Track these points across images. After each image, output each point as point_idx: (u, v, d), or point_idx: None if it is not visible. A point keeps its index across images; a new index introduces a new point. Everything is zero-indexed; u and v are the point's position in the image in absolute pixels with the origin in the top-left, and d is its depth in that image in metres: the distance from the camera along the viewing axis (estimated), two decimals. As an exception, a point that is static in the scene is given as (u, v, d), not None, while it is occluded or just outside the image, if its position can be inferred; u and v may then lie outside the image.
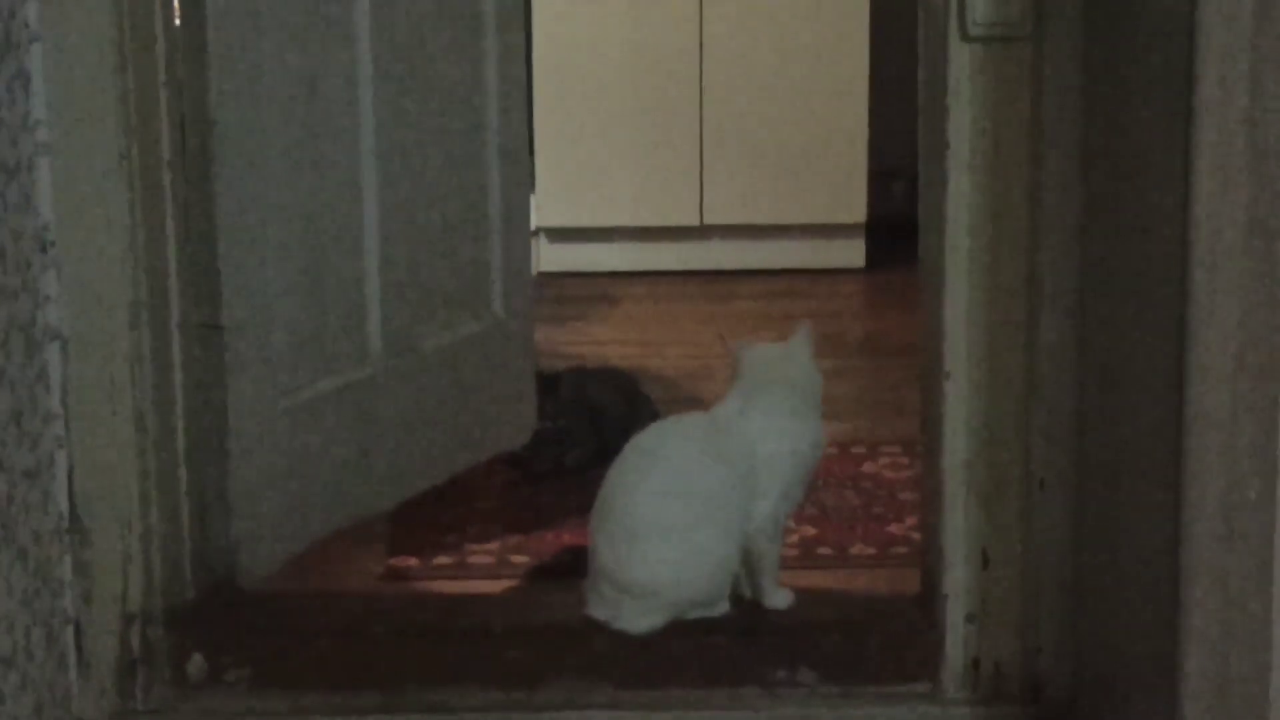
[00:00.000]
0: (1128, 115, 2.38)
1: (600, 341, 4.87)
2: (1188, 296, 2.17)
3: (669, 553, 2.72)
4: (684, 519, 2.73)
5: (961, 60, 2.55)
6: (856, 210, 5.51)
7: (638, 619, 2.73)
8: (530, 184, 4.07)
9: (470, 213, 3.48)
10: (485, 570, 3.33)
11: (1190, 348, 2.17)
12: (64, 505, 2.61)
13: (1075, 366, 2.58)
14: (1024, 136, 2.56)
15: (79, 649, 2.65)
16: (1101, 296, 2.50)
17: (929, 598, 2.74)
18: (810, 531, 3.47)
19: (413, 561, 3.35)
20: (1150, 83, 2.29)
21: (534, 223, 5.09)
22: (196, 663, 2.71)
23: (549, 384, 3.82)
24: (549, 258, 5.54)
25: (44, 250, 2.55)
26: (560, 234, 5.55)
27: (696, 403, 3.28)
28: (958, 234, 2.60)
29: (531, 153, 4.84)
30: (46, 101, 2.52)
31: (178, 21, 2.72)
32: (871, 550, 3.40)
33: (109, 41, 2.59)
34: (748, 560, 2.79)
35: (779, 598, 2.81)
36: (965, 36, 2.54)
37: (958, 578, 2.68)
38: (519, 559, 3.37)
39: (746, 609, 2.80)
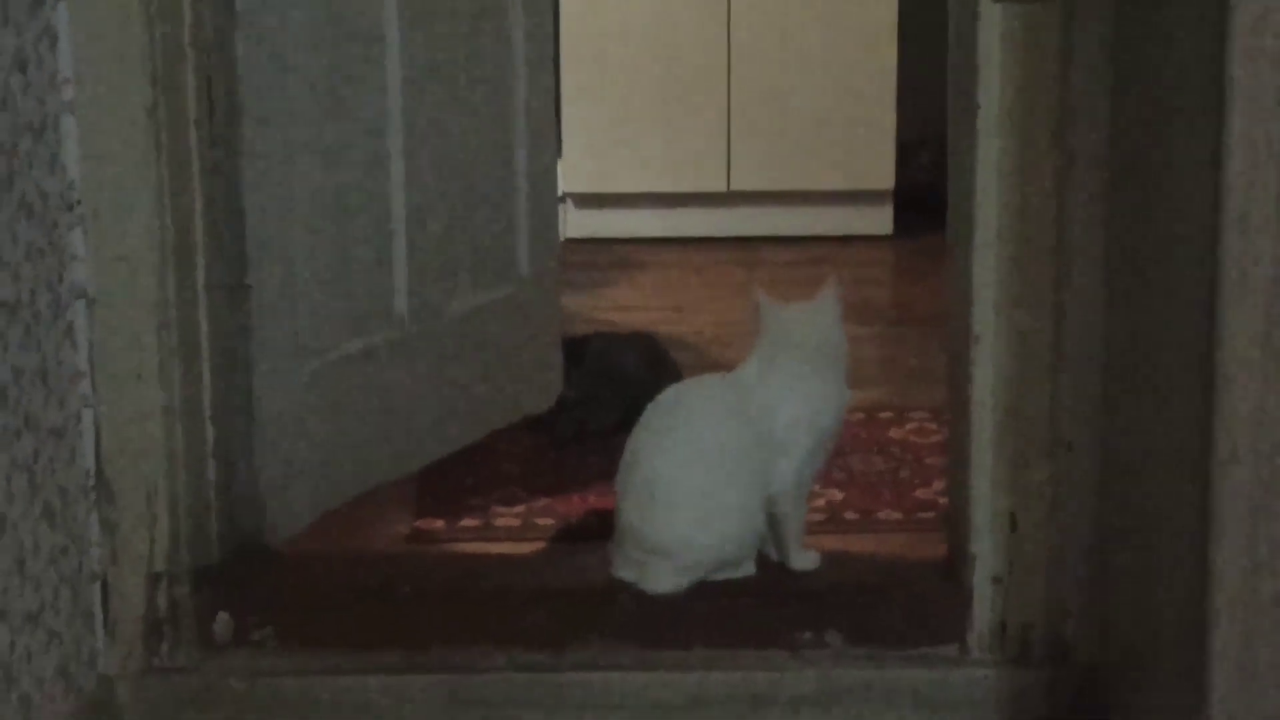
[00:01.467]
0: (1159, 76, 2.36)
1: (627, 307, 4.86)
2: (1218, 258, 2.15)
3: (693, 513, 2.71)
4: (707, 479, 2.72)
5: (991, 21, 2.53)
6: (884, 177, 5.48)
7: (663, 580, 2.73)
8: (557, 149, 4.06)
9: (497, 177, 3.47)
10: (511, 533, 3.33)
11: (1220, 308, 2.15)
12: (90, 464, 2.62)
13: (1103, 328, 2.57)
14: (1054, 98, 2.55)
15: (105, 607, 2.66)
16: (1131, 258, 2.49)
17: (956, 560, 2.73)
18: (837, 496, 3.47)
19: (438, 524, 3.35)
20: (1181, 44, 2.27)
21: (561, 189, 5.07)
22: (222, 621, 2.72)
23: (575, 349, 3.81)
24: (576, 224, 5.53)
25: (70, 209, 2.55)
26: (587, 200, 5.53)
27: (723, 368, 3.28)
28: (986, 196, 2.58)
29: (558, 119, 4.83)
30: (73, 60, 2.52)
31: (204, -19, 2.72)
32: (898, 515, 3.39)
33: None
34: (773, 522, 2.79)
35: (805, 559, 2.81)
36: (995, -3, 2.53)
37: (985, 540, 2.67)
38: (545, 522, 3.37)
39: (772, 571, 2.80)
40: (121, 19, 2.57)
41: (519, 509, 3.43)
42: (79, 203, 2.55)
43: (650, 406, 2.81)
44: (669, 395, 2.83)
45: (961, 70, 2.61)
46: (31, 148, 2.42)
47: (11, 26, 2.36)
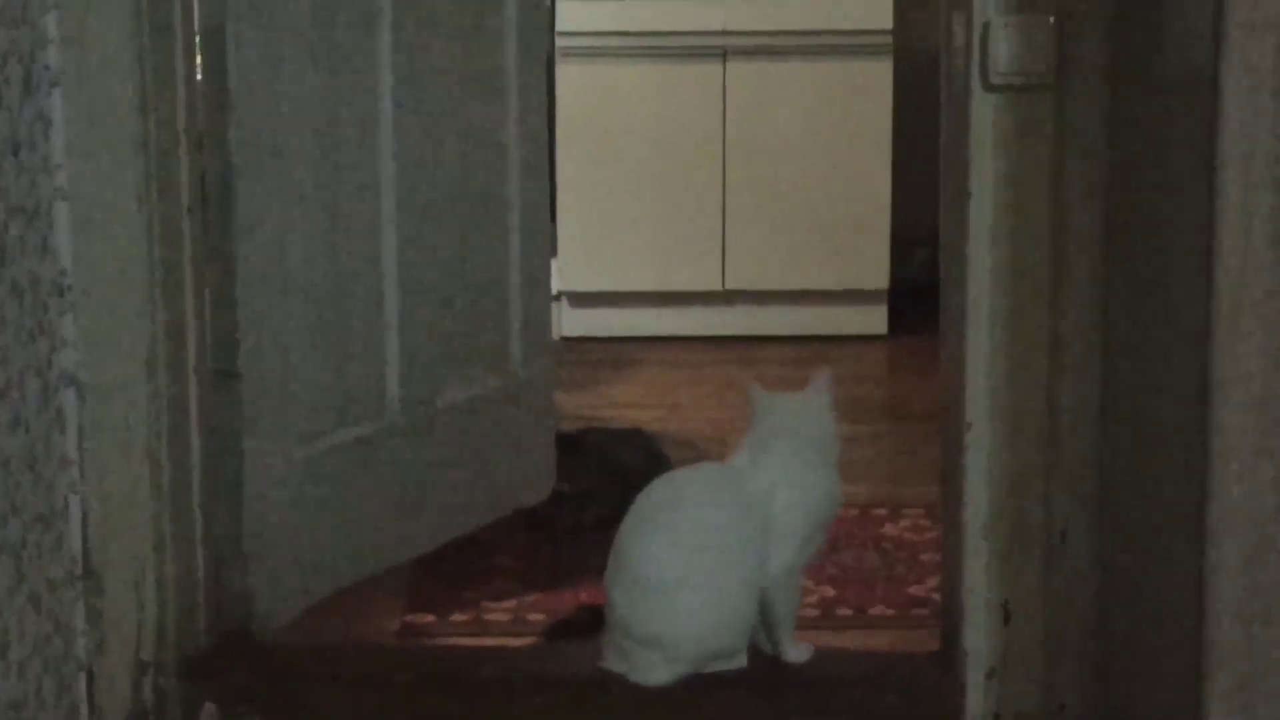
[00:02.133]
0: (1151, 163, 2.37)
1: (622, 405, 4.85)
2: (1211, 346, 2.15)
3: (684, 604, 2.69)
4: (698, 570, 2.70)
5: (984, 109, 2.54)
6: (879, 276, 5.49)
7: (654, 672, 2.71)
8: (552, 247, 4.07)
9: (491, 271, 3.48)
10: (502, 628, 3.30)
11: (1214, 399, 2.14)
12: (77, 551, 2.59)
13: (1097, 418, 2.56)
14: (1046, 185, 2.55)
15: (91, 697, 2.63)
16: (1125, 347, 2.48)
17: (949, 654, 2.71)
18: (830, 592, 3.44)
19: (429, 618, 3.32)
20: (1173, 131, 2.27)
21: (556, 287, 5.07)
22: (209, 712, 2.69)
23: (571, 443, 3.80)
24: (571, 322, 5.52)
25: (61, 294, 2.54)
26: (582, 299, 5.53)
27: (717, 464, 3.32)
28: (979, 283, 2.58)
29: (553, 218, 4.83)
30: (66, 145, 2.52)
31: (199, 75, 2.72)
32: (891, 611, 3.37)
33: (130, 87, 2.59)
34: (765, 613, 2.76)
35: (797, 651, 2.78)
36: (988, 86, 2.53)
37: (978, 633, 2.65)
38: (536, 617, 3.34)
39: (764, 663, 2.77)
40: (115, 105, 2.58)
41: (510, 604, 3.40)
42: (70, 288, 2.54)
43: (641, 496, 2.80)
44: (659, 485, 2.82)
45: (954, 158, 2.61)
46: (23, 231, 2.42)
47: (5, 110, 2.36)
